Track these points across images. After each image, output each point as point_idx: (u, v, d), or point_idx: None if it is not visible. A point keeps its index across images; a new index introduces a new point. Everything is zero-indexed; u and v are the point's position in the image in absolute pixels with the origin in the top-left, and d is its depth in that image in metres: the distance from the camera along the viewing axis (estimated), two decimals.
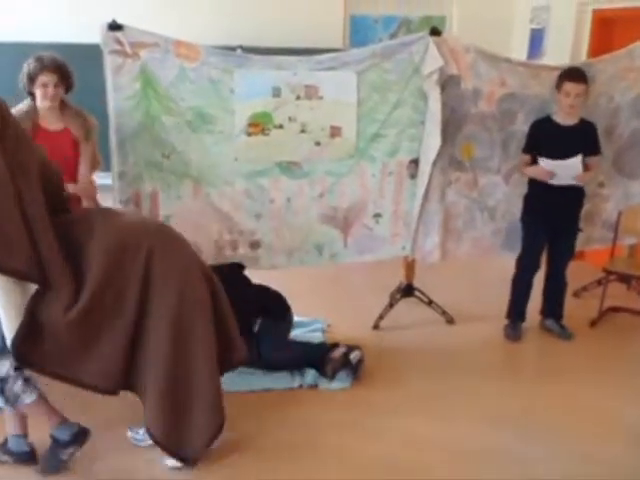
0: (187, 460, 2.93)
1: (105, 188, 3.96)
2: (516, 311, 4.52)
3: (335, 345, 3.94)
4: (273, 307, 4.01)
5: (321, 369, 3.83)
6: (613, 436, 3.34)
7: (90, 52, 3.89)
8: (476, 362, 4.14)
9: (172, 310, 2.81)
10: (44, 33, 5.23)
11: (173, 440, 2.89)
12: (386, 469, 3.05)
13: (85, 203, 3.59)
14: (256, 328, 3.91)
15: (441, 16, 6.30)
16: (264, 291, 4.05)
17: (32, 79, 3.42)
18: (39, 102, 3.46)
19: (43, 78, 3.41)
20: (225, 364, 3.07)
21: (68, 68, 3.54)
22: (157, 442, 2.90)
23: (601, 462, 3.11)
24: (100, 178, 3.92)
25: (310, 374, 3.82)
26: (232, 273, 3.95)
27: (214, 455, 3.05)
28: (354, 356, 3.89)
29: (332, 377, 3.81)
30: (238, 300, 3.50)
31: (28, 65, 3.44)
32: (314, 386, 3.77)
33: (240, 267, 4.04)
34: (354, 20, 6.27)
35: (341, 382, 3.81)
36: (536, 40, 6.09)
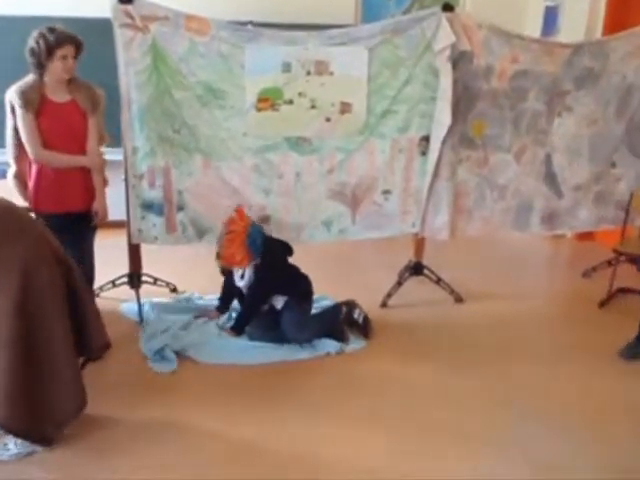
0: (41, 441, 2.87)
1: (116, 164, 3.97)
2: None
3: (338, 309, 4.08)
4: (300, 288, 4.05)
5: (333, 336, 3.93)
6: (618, 416, 3.33)
7: (99, 27, 3.88)
8: (484, 340, 4.13)
9: (14, 298, 2.69)
10: (51, 7, 5.20)
11: (24, 423, 2.80)
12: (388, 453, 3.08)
13: (95, 176, 3.59)
14: (280, 305, 3.97)
15: None
16: (295, 271, 4.09)
17: (50, 51, 3.34)
18: (56, 74, 3.40)
19: (63, 50, 3.36)
20: (85, 349, 3.01)
21: (82, 41, 3.51)
22: (2, 426, 2.81)
23: (603, 442, 3.11)
24: (110, 154, 3.93)
25: (322, 344, 3.88)
26: (282, 249, 3.99)
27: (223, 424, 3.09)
28: (357, 314, 4.05)
29: (344, 341, 3.93)
30: (277, 276, 3.85)
31: (43, 37, 3.34)
32: (328, 354, 3.84)
33: (289, 250, 4.03)
34: None
35: (356, 343, 3.94)
36: (550, 17, 6.02)
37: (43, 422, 2.84)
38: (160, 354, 3.69)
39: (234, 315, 4.14)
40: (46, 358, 2.79)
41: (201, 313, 4.18)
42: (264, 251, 3.86)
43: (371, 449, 3.02)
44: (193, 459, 2.89)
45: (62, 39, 3.36)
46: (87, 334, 2.97)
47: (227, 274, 4.07)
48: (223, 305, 4.19)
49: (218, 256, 3.85)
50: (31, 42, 3.37)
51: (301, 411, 3.30)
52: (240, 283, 3.98)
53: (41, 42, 3.34)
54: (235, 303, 4.21)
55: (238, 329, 3.98)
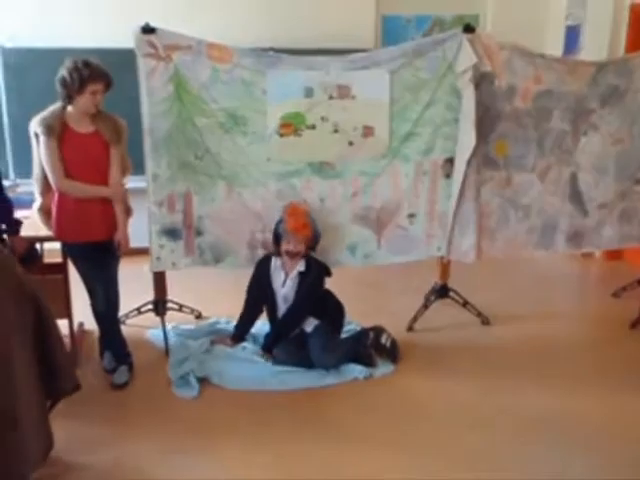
0: None
1: (139, 191, 3.99)
2: None
3: (365, 334, 4.06)
4: (332, 315, 4.08)
5: (360, 361, 3.91)
6: None
7: (124, 57, 3.92)
8: (512, 363, 4.07)
9: None
10: (79, 39, 5.29)
11: None
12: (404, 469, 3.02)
13: (117, 206, 3.60)
14: (310, 329, 3.97)
15: (474, 14, 6.24)
16: (330, 297, 4.11)
17: (82, 85, 3.33)
18: (82, 108, 3.41)
19: (94, 86, 3.36)
20: (54, 391, 2.94)
21: (112, 78, 3.51)
22: None
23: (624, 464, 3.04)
24: (134, 181, 3.95)
25: (349, 369, 3.86)
26: (322, 273, 4.02)
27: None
28: (385, 339, 4.04)
29: (372, 366, 3.91)
30: (313, 299, 3.94)
31: (77, 70, 3.32)
32: (355, 379, 3.82)
33: (329, 273, 4.06)
34: (386, 20, 6.24)
35: (384, 368, 3.94)
36: (572, 36, 6.00)
37: (11, 469, 2.66)
38: (184, 379, 3.69)
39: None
40: (10, 399, 2.63)
41: (218, 339, 4.17)
42: (309, 258, 3.95)
43: (399, 474, 2.98)
44: None
45: (96, 75, 3.36)
46: (57, 376, 2.90)
47: (262, 280, 4.04)
48: (239, 333, 4.17)
49: (291, 231, 3.87)
50: (64, 72, 3.35)
51: (328, 435, 3.29)
52: (281, 291, 3.99)
53: (75, 75, 3.32)
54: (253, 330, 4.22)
55: (269, 349, 3.97)
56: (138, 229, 3.98)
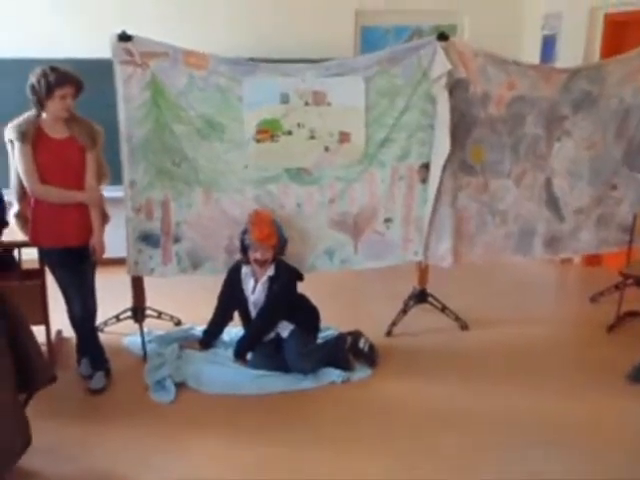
0: None
1: (118, 201, 4.01)
2: None
3: (343, 338, 4.08)
4: (308, 318, 4.10)
5: (338, 365, 3.92)
6: (624, 442, 3.29)
7: (104, 67, 3.94)
8: (490, 366, 4.10)
9: None
10: (52, 49, 5.29)
11: None
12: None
13: (92, 212, 3.61)
14: (285, 334, 3.99)
15: (452, 24, 6.31)
16: (306, 300, 4.13)
17: (50, 90, 3.36)
18: (54, 112, 3.43)
19: (63, 90, 3.39)
20: (30, 384, 2.97)
21: (82, 82, 3.55)
22: None
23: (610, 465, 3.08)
24: (112, 191, 3.97)
25: (326, 373, 3.87)
26: (292, 277, 4.03)
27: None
28: (362, 343, 4.06)
29: (350, 370, 3.92)
30: (284, 303, 3.93)
31: (45, 76, 3.36)
32: (332, 382, 3.84)
33: (300, 277, 4.08)
34: (365, 31, 6.29)
35: (362, 372, 3.95)
36: (548, 46, 6.08)
37: None
38: (161, 384, 3.70)
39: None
40: None
41: (187, 344, 4.19)
42: (278, 262, 3.95)
43: (376, 475, 2.99)
44: None
45: (62, 79, 3.39)
46: (31, 370, 2.92)
47: (233, 288, 4.06)
48: (207, 338, 4.19)
49: (257, 241, 3.86)
50: (32, 79, 3.39)
51: (306, 438, 3.30)
52: (251, 297, 4.00)
53: (42, 81, 3.36)
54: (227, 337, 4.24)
55: (242, 354, 3.98)
56: (117, 238, 3.99)
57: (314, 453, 3.16)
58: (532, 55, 6.12)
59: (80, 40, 5.45)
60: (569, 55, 5.77)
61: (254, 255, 3.91)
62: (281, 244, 3.99)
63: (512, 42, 6.16)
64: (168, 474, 3.00)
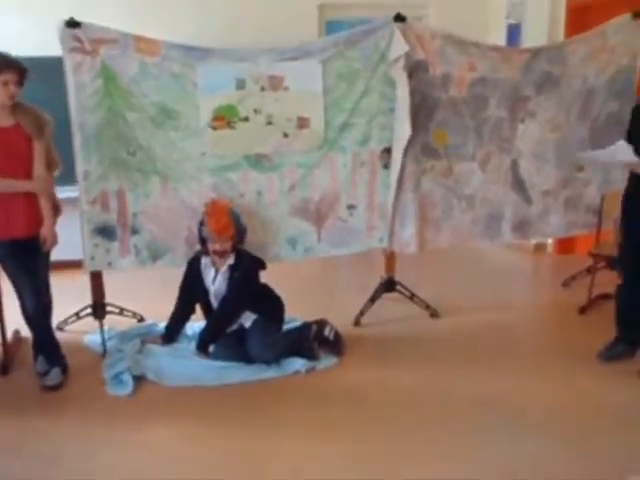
0: None
1: (72, 201, 3.91)
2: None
3: (308, 327, 3.97)
4: (271, 308, 4.00)
5: (303, 354, 3.82)
6: (598, 420, 3.22)
7: (55, 65, 3.86)
8: (461, 351, 4.03)
9: None
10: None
11: None
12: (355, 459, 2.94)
13: (42, 201, 3.49)
14: (248, 324, 3.90)
15: (418, 17, 6.24)
16: (268, 289, 4.04)
17: None
18: None
19: (4, 77, 3.30)
20: None
21: (26, 67, 3.47)
22: None
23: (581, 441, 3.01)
24: (66, 192, 3.85)
25: (289, 363, 3.78)
26: (254, 265, 3.94)
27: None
28: (328, 331, 3.96)
29: (315, 359, 3.82)
30: (246, 292, 3.82)
31: None
32: (297, 372, 3.75)
33: (262, 265, 3.99)
34: (329, 26, 6.24)
35: (327, 361, 3.86)
36: (513, 35, 6.06)
37: None
38: (118, 378, 3.59)
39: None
40: None
41: (149, 339, 4.10)
42: (239, 250, 3.87)
43: (343, 462, 2.90)
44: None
45: (3, 65, 3.31)
46: None
47: (193, 280, 3.97)
48: (169, 333, 4.10)
49: (214, 233, 3.77)
50: None
51: (269, 428, 3.20)
52: (212, 288, 3.91)
53: None
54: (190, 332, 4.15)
55: (204, 345, 3.87)
56: (76, 240, 3.91)
57: (278, 443, 3.06)
58: (498, 43, 6.08)
59: (32, 37, 5.28)
60: (534, 43, 5.70)
61: (213, 246, 3.82)
62: (240, 234, 3.89)
63: (478, 31, 6.08)
64: (126, 468, 2.88)
